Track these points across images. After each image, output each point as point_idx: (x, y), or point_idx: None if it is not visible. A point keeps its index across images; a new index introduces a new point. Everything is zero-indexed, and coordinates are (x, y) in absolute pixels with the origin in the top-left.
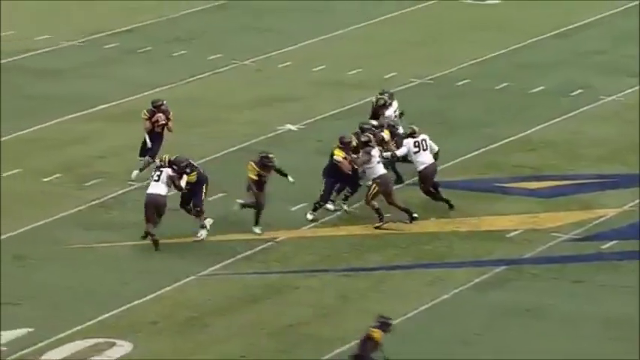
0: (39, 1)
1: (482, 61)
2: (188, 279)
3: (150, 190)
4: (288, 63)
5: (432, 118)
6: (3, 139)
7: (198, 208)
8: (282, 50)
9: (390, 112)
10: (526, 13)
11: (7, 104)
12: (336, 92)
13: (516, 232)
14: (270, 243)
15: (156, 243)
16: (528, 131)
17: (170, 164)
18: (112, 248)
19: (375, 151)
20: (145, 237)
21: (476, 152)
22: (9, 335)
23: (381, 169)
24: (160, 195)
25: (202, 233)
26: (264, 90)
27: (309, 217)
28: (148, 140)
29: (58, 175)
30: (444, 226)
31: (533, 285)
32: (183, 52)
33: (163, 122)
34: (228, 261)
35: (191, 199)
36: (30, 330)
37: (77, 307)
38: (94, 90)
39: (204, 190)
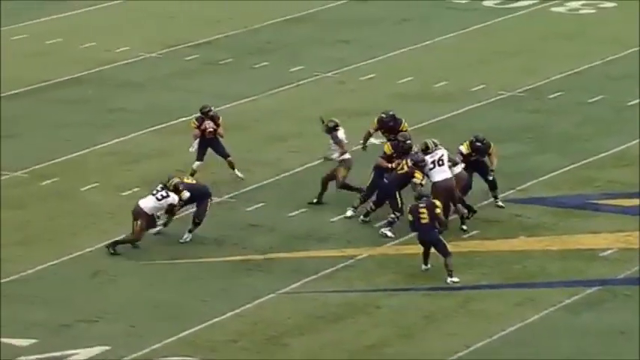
0: (118, 13)
1: (576, 73)
2: (268, 297)
3: (142, 203)
4: (372, 75)
5: (522, 133)
6: (83, 152)
7: (198, 221)
8: (367, 62)
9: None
10: (621, 23)
11: (88, 117)
12: (421, 105)
13: (610, 251)
14: (352, 260)
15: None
16: (623, 146)
17: (175, 190)
18: (192, 264)
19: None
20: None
21: (567, 167)
22: (86, 353)
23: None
24: (145, 210)
25: (187, 237)
26: (347, 103)
27: (389, 233)
28: (196, 148)
29: (136, 188)
30: (533, 244)
31: (627, 306)
32: (264, 63)
33: (212, 129)
34: (309, 278)
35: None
36: (107, 348)
37: (155, 325)
38: (174, 102)
39: (208, 205)
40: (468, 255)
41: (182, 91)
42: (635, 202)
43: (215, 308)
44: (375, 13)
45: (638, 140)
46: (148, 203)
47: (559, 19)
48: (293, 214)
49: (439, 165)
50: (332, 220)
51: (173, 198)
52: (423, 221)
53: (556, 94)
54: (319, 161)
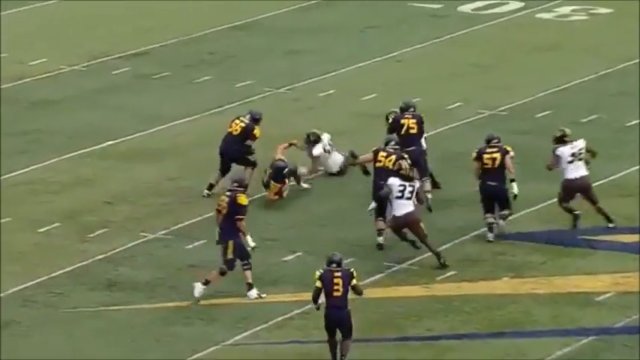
0: (32, 19)
1: (566, 89)
2: (210, 349)
3: None
4: (331, 91)
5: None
6: None
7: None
8: (325, 76)
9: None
10: (617, 31)
11: None
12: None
13: (607, 295)
14: (309, 306)
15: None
16: (622, 172)
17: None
18: (121, 312)
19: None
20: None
21: (551, 200)
22: None
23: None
24: None
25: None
26: (303, 123)
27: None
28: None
29: (56, 224)
30: (518, 286)
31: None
32: (206, 77)
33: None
34: (258, 328)
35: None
36: None
37: None
38: (100, 123)
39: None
40: (444, 299)
41: (109, 110)
42: (635, 238)
43: None
44: (334, 19)
45: (638, 167)
46: None
47: (546, 26)
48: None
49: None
50: (285, 259)
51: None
52: (336, 294)
53: (544, 113)
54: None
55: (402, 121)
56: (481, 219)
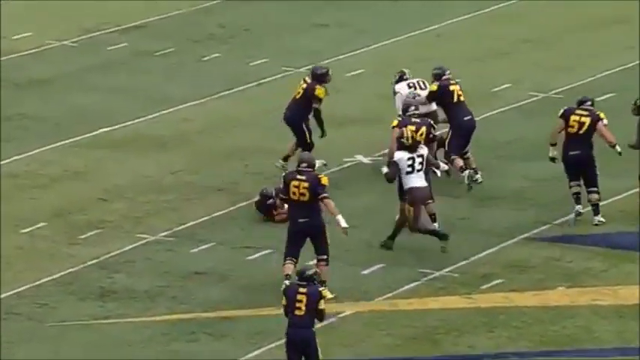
0: None
1: (632, 68)
2: None
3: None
4: (360, 70)
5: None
6: None
7: None
8: (353, 53)
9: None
10: None
11: None
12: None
13: None
14: (332, 319)
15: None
16: None
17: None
18: (115, 326)
19: None
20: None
21: (625, 193)
22: None
23: None
24: None
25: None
26: (329, 107)
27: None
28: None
29: (42, 224)
30: (576, 297)
31: None
32: (215, 55)
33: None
34: (274, 344)
35: None
36: None
37: None
38: (93, 107)
39: None
40: (489, 312)
41: (103, 92)
42: None
43: None
44: None
45: None
46: None
47: None
48: (253, 257)
49: (417, 171)
50: (307, 263)
51: None
52: (297, 312)
53: (606, 96)
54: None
55: (451, 87)
56: (531, 219)
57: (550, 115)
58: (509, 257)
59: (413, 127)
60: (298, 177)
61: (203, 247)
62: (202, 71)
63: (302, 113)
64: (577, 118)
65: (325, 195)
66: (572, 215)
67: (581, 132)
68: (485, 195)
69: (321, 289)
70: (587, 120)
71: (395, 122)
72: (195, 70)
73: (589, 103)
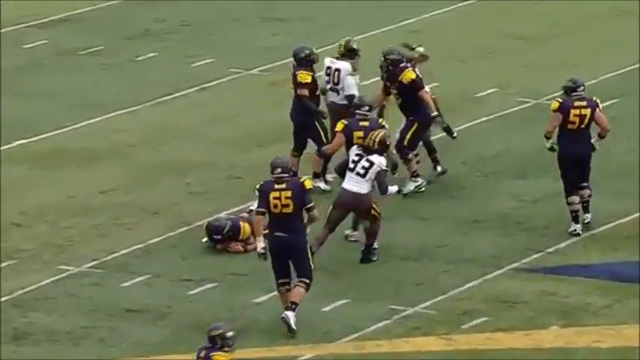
0: None
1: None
2: None
3: None
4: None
5: (556, 163)
6: None
7: None
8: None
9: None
10: None
11: None
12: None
13: None
14: None
15: None
16: None
17: None
18: None
19: None
20: None
21: (628, 217)
22: None
23: None
24: None
25: None
26: (284, 116)
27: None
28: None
29: None
30: (573, 338)
31: None
32: (152, 54)
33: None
34: None
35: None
36: None
37: None
38: (9, 115)
39: None
40: (472, 355)
41: (21, 97)
42: None
43: None
44: None
45: None
46: None
47: None
48: (195, 291)
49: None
50: (257, 300)
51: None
52: None
53: (610, 102)
54: (238, 208)
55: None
56: (521, 246)
57: (543, 124)
58: (495, 291)
59: (360, 133)
60: (277, 186)
61: (137, 279)
62: (137, 73)
63: (300, 108)
64: (577, 111)
65: (312, 205)
66: (571, 230)
67: (582, 126)
68: (468, 218)
69: None
70: (587, 112)
71: (340, 126)
72: (128, 71)
73: (582, 87)
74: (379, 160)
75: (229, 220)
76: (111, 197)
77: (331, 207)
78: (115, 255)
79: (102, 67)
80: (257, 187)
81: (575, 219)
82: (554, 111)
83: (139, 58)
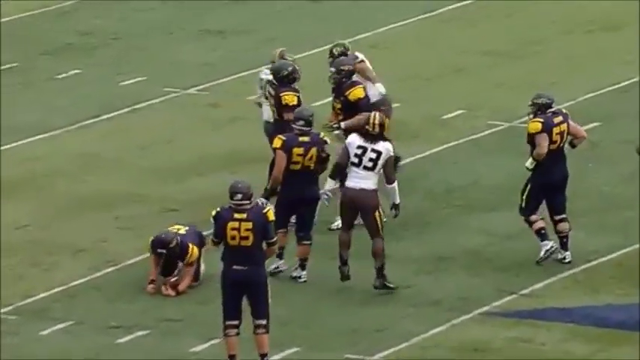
0: None
1: (624, 88)
2: None
3: None
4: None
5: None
6: None
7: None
8: (258, 69)
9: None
10: None
11: None
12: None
13: None
14: None
15: None
16: None
17: None
18: None
19: None
20: None
21: (615, 253)
22: None
23: None
24: None
25: None
26: (223, 142)
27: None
28: None
29: None
30: None
31: None
32: (75, 71)
33: None
34: None
35: None
36: None
37: None
38: None
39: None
40: None
41: None
42: None
43: None
44: None
45: None
46: None
47: None
48: (125, 339)
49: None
50: (194, 349)
51: None
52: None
53: (591, 125)
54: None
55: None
56: (491, 287)
57: (516, 150)
58: (464, 337)
59: (300, 150)
60: (236, 215)
61: (57, 327)
62: (57, 93)
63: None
64: (558, 129)
65: (275, 240)
66: (543, 254)
67: (562, 145)
68: (433, 256)
69: None
70: (564, 127)
71: (278, 142)
72: (47, 91)
73: (552, 101)
74: (386, 147)
75: (179, 236)
76: (27, 234)
77: (339, 206)
78: (32, 299)
79: (16, 86)
80: (213, 213)
81: (545, 236)
82: (539, 133)
83: (60, 76)
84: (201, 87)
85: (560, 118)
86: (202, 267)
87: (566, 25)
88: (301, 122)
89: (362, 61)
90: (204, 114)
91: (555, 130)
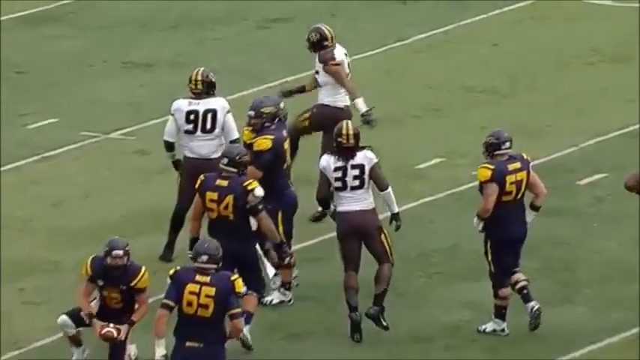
0: None
1: (634, 133)
2: None
3: None
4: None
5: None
6: None
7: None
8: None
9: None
10: None
11: None
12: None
13: None
14: None
15: None
16: None
17: None
18: None
19: None
20: None
21: (630, 332)
22: None
23: None
24: None
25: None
26: (152, 195)
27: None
28: None
29: None
30: None
31: None
32: None
33: None
34: None
35: None
36: None
37: None
38: None
39: None
40: None
41: None
42: None
43: None
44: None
45: None
46: None
47: (596, 16)
48: None
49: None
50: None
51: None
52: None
53: (596, 177)
54: None
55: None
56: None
57: None
58: None
59: (214, 195)
60: (198, 278)
61: None
62: None
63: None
64: (513, 177)
65: (238, 312)
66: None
67: (519, 196)
68: (408, 334)
69: None
70: (523, 174)
71: (197, 182)
72: None
73: (509, 143)
74: (367, 156)
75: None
76: None
77: (339, 242)
78: None
79: None
80: (171, 272)
81: (527, 297)
82: (487, 182)
83: None
84: (126, 130)
85: (517, 165)
86: (133, 351)
87: (558, 58)
88: (225, 160)
89: (337, 64)
90: (129, 163)
91: (509, 178)
